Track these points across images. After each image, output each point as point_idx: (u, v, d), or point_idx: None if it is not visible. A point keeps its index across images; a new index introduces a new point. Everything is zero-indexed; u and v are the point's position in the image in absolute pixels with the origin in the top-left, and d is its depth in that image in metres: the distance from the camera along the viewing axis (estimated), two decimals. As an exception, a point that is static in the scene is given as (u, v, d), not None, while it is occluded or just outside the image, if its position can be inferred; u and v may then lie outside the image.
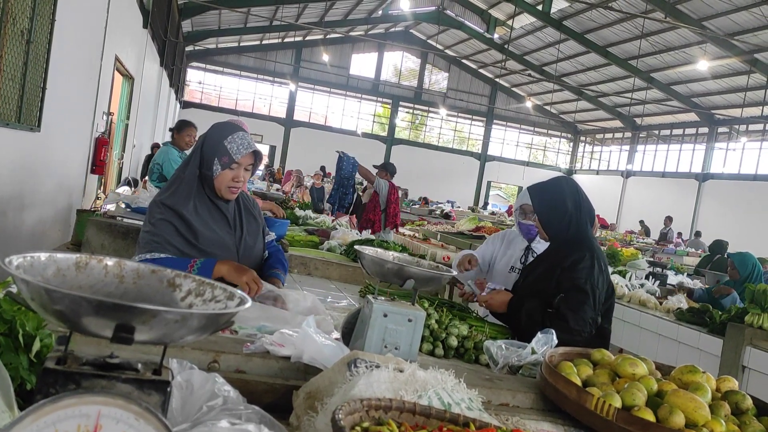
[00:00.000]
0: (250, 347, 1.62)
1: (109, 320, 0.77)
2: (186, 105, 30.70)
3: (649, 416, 1.59)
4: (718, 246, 9.85)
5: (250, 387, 1.48)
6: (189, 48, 28.27)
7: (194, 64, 31.27)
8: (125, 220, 4.17)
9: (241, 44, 31.34)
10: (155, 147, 12.68)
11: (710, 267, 9.33)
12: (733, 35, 18.08)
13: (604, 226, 21.97)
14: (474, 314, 2.92)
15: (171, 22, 18.17)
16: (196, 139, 4.43)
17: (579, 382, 1.76)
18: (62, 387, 0.82)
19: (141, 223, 4.23)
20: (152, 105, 17.27)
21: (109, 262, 0.98)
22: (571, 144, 36.22)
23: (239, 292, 0.95)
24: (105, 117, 9.52)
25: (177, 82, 25.01)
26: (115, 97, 11.09)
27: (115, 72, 10.33)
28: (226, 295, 0.96)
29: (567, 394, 1.68)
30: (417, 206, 20.35)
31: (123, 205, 5.02)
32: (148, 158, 12.46)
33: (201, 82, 32.04)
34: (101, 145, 9.02)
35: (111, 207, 4.65)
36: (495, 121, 34.55)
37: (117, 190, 9.43)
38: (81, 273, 0.95)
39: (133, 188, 10.15)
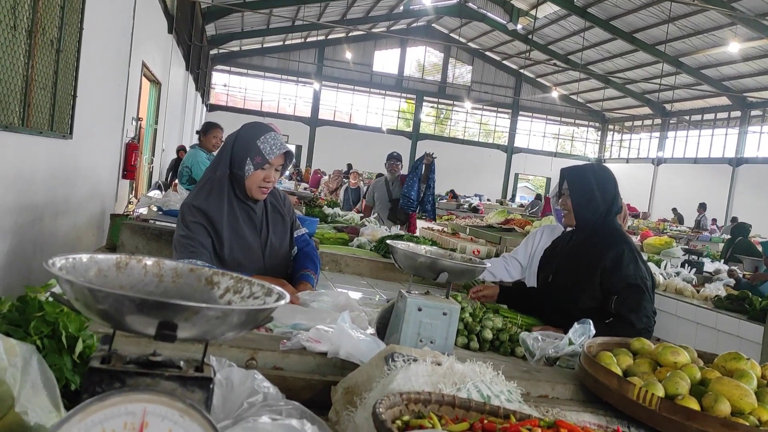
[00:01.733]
0: (286, 344, 1.63)
1: (152, 318, 0.78)
2: (212, 108, 31.04)
3: (694, 405, 1.56)
4: (740, 228, 9.69)
5: (288, 383, 1.49)
6: (213, 51, 28.56)
7: (219, 67, 31.60)
8: (157, 222, 4.23)
9: (265, 45, 31.56)
10: (181, 150, 12.84)
11: (732, 250, 9.16)
12: (765, 15, 17.60)
13: (635, 214, 21.63)
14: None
15: (195, 26, 18.37)
16: (223, 139, 4.46)
17: (619, 372, 1.73)
18: (108, 386, 0.83)
19: (173, 225, 4.29)
20: (179, 109, 17.50)
21: (148, 261, 0.99)
22: (599, 133, 35.72)
23: (277, 288, 0.95)
24: (134, 122, 9.67)
25: (203, 86, 25.30)
26: (143, 102, 11.26)
27: (143, 78, 10.49)
28: (264, 291, 0.96)
29: (608, 385, 1.66)
30: (444, 201, 20.26)
31: (155, 209, 5.10)
32: (175, 162, 12.61)
33: (226, 84, 32.37)
34: (131, 150, 9.15)
35: (143, 210, 4.72)
36: (521, 112, 34.26)
37: (148, 194, 9.57)
38: (121, 273, 0.96)
39: (163, 191, 10.29)
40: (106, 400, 0.76)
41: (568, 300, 2.66)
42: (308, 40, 31.73)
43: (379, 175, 8.79)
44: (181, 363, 0.89)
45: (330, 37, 31.60)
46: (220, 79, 32.30)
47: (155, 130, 13.53)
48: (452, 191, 23.06)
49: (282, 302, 0.89)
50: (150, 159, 13.57)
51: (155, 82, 12.74)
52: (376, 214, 8.07)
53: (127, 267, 0.96)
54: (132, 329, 0.80)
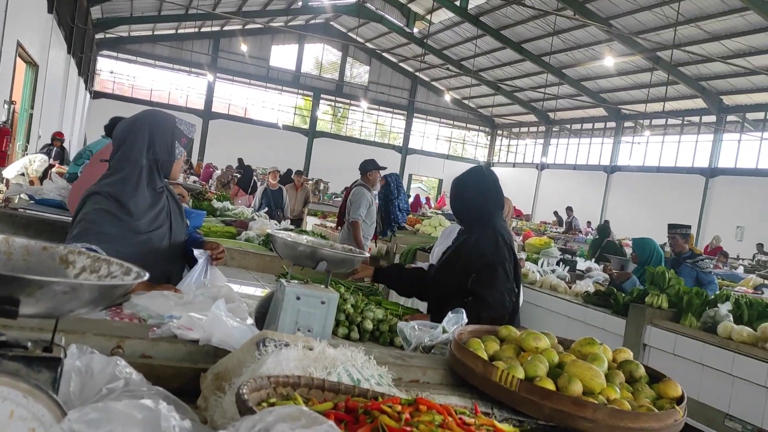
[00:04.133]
0: (156, 331, 1.59)
1: (-9, 293, 0.74)
2: (97, 95, 29.35)
3: (550, 385, 1.67)
4: (605, 229, 10.55)
5: (156, 371, 1.45)
6: (99, 35, 27.01)
7: (105, 52, 29.93)
8: (27, 211, 3.97)
9: (156, 33, 30.21)
10: (57, 137, 12.05)
11: (602, 250, 9.92)
12: (638, 33, 19.06)
13: (519, 216, 22.72)
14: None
15: (79, 7, 17.31)
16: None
17: (486, 357, 1.83)
18: (-56, 366, 0.78)
19: (45, 215, 4.05)
20: (59, 94, 16.42)
21: (-4, 239, 0.94)
22: (489, 137, 37.15)
23: (136, 268, 0.94)
24: (6, 106, 8.98)
25: (86, 71, 23.86)
26: (17, 85, 10.47)
27: (17, 58, 9.75)
28: (122, 270, 0.94)
29: (473, 368, 1.74)
30: (339, 199, 20.34)
31: (26, 197, 4.78)
32: (48, 149, 11.83)
33: (113, 71, 30.71)
34: (2, 135, 8.51)
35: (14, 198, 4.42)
36: (415, 114, 34.95)
37: (34, 157, 8.96)
38: (-36, 250, 0.90)
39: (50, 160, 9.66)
40: (-62, 379, 0.72)
41: (447, 285, 2.80)
42: (203, 30, 30.71)
43: (356, 183, 7.38)
44: (28, 343, 0.86)
45: (226, 28, 30.77)
46: (106, 65, 30.61)
47: (31, 115, 12.62)
48: (347, 187, 23.12)
49: (139, 280, 0.88)
50: (24, 146, 12.65)
51: (32, 64, 11.89)
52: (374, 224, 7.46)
53: (-29, 244, 0.91)
54: (-30, 305, 0.76)
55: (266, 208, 8.92)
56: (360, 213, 6.95)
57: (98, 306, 0.84)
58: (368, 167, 7.27)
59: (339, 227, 7.64)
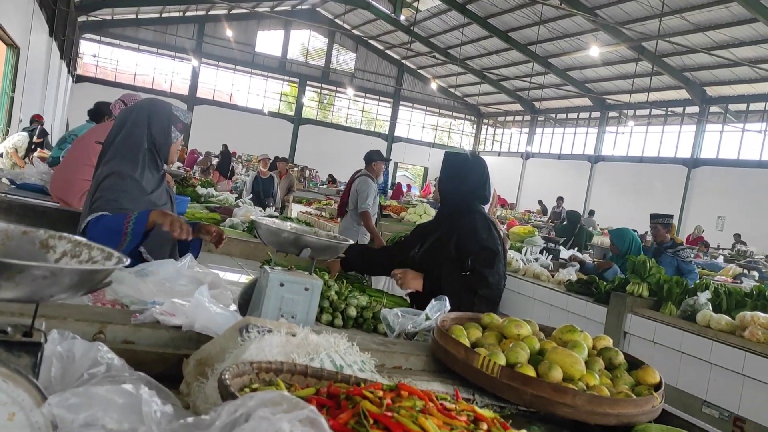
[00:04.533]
0: (138, 317, 1.58)
1: (-31, 277, 0.74)
2: (79, 79, 28.93)
3: (530, 372, 1.69)
4: (575, 216, 10.69)
5: (138, 357, 1.44)
6: (82, 18, 26.56)
7: (88, 35, 29.46)
8: (8, 196, 3.93)
9: (139, 16, 29.79)
10: (36, 119, 11.89)
11: (575, 237, 10.05)
12: (623, 24, 19.12)
13: (504, 205, 22.81)
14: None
15: (60, -11, 17.00)
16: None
17: (468, 344, 1.84)
18: None
19: (27, 199, 4.00)
20: (41, 78, 16.17)
21: (-25, 223, 0.93)
22: (475, 126, 37.19)
23: (118, 253, 0.93)
24: (-15, 89, 8.84)
25: (69, 55, 23.48)
26: (-3, 67, 10.30)
27: (-3, 40, 9.59)
28: (104, 255, 0.94)
29: (456, 355, 1.76)
30: (324, 186, 20.32)
31: (7, 182, 4.73)
32: (33, 128, 11.69)
33: (96, 55, 30.27)
34: (-19, 118, 8.37)
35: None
36: (402, 102, 34.88)
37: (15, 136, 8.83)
38: (-58, 234, 0.89)
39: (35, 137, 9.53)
40: None
41: (432, 264, 2.86)
42: (187, 14, 30.34)
43: (361, 173, 7.23)
44: (8, 328, 0.86)
45: (211, 12, 30.40)
46: (89, 48, 30.15)
47: (12, 98, 12.44)
48: (331, 176, 23.13)
49: (120, 265, 0.88)
50: (5, 129, 12.48)
51: (13, 47, 11.70)
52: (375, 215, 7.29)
53: (-51, 228, 0.90)
54: (-53, 289, 0.75)
55: (251, 196, 8.83)
56: (368, 203, 6.92)
57: (79, 291, 0.83)
58: (373, 157, 7.31)
59: (340, 217, 7.61)
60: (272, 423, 0.80)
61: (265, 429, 0.79)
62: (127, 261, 0.88)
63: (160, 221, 2.33)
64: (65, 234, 0.97)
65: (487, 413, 1.25)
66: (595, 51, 19.65)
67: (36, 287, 0.77)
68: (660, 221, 6.17)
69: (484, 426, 1.17)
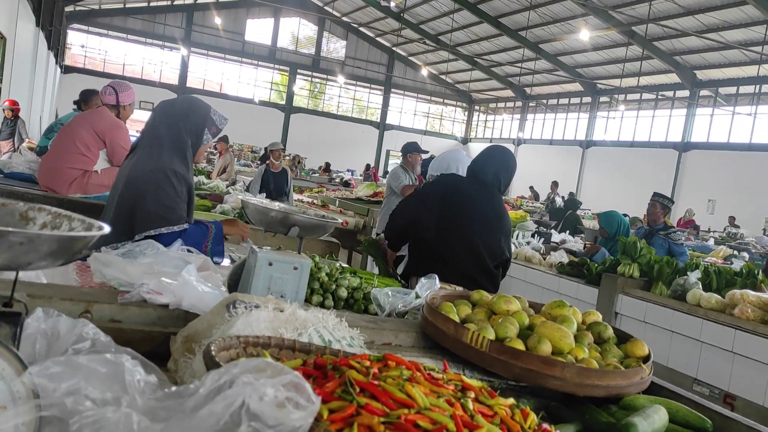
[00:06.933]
0: (125, 296, 1.57)
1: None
2: (68, 70, 28.66)
3: (520, 346, 1.70)
4: (572, 202, 10.77)
5: (125, 335, 1.44)
6: (69, 8, 26.28)
7: (75, 25, 29.17)
8: (-5, 184, 3.89)
9: (127, 6, 29.51)
10: (13, 106, 11.82)
11: (564, 222, 10.13)
12: (614, 8, 19.08)
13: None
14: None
15: (46, -22, 16.80)
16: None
17: (457, 319, 1.85)
18: None
19: (14, 188, 3.96)
20: (28, 68, 16.01)
21: (-48, 194, 0.92)
22: (466, 113, 37.14)
23: (99, 222, 0.92)
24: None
25: (57, 45, 23.24)
26: (-17, 57, 10.18)
27: (-18, 30, 9.48)
28: (84, 226, 0.93)
29: (445, 331, 1.76)
30: (317, 174, 20.27)
31: (-7, 171, 4.68)
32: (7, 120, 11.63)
33: (84, 45, 30.00)
34: (-32, 109, 8.28)
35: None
36: (393, 90, 34.76)
37: None
38: None
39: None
40: None
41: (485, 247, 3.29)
42: (175, 2, 30.07)
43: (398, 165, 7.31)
44: (-12, 299, 0.85)
45: (199, 1, 30.14)
46: (77, 39, 29.86)
47: (-1, 88, 12.32)
48: (327, 164, 23.08)
49: (100, 233, 0.87)
50: (-8, 121, 12.35)
51: (-2, 37, 11.56)
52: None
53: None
54: None
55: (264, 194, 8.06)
56: (403, 182, 6.92)
57: (58, 259, 0.82)
58: (409, 149, 7.33)
59: None
60: (256, 388, 0.80)
61: (249, 394, 0.79)
62: (106, 229, 0.87)
63: (231, 233, 2.66)
64: (45, 206, 0.96)
65: (474, 382, 1.25)
66: (585, 35, 19.64)
67: (13, 254, 0.76)
68: (661, 200, 6.14)
69: (472, 395, 1.17)
